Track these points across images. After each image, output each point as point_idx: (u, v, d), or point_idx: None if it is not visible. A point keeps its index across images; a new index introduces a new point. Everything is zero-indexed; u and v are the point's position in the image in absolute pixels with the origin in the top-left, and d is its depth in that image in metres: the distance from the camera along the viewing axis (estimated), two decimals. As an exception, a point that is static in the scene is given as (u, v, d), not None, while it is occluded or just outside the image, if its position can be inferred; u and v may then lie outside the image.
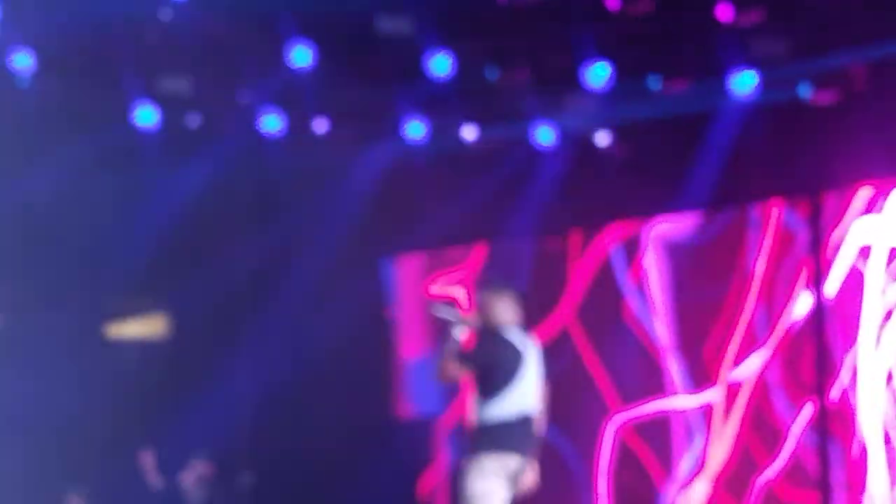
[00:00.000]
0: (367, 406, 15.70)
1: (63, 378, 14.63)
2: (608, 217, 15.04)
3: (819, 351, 13.44)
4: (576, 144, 14.58)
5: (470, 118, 14.57)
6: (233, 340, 15.22)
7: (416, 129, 14.48)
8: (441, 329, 9.28)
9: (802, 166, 13.57)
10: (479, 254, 15.82)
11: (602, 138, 14.47)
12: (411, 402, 16.25)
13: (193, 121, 14.60)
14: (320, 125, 14.79)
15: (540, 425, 9.04)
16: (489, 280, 10.42)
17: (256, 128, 14.59)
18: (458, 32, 13.21)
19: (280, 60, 13.32)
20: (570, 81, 13.41)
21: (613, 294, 14.92)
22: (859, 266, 13.32)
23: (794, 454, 13.55)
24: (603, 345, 14.89)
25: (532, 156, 14.67)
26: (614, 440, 14.77)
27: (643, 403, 14.57)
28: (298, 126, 14.72)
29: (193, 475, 13.87)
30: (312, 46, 13.19)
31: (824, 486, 13.29)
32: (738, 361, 13.96)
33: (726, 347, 14.06)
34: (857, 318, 13.29)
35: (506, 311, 8.92)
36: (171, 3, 12.54)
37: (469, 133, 14.63)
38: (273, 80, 13.87)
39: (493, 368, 8.73)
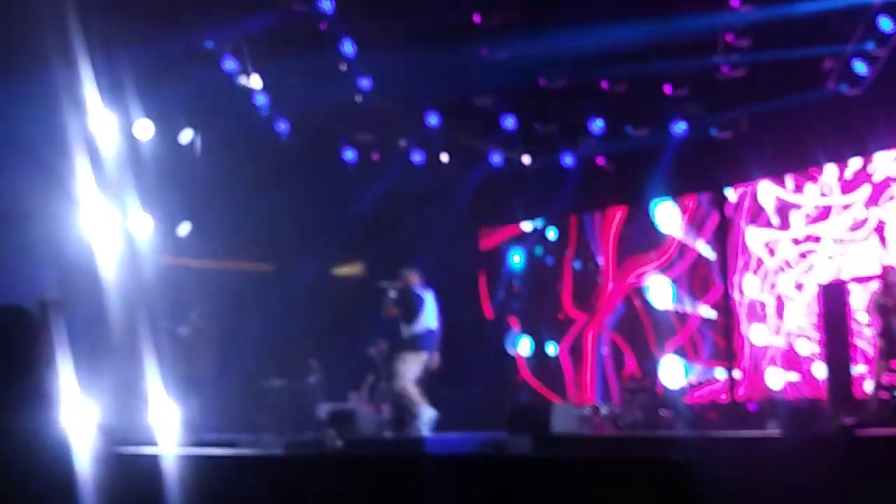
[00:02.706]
0: (469, 312, 16.30)
1: (307, 297, 15.42)
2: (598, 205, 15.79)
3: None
4: (584, 165, 15.22)
5: (526, 151, 15.40)
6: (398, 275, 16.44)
7: (496, 159, 15.50)
8: (382, 292, 10.54)
9: (711, 173, 14.33)
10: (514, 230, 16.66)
11: (601, 161, 15.19)
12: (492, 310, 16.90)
13: (375, 155, 15.54)
14: (444, 158, 15.61)
15: (437, 336, 10.33)
16: (408, 265, 10.85)
17: (410, 160, 15.51)
18: (519, 103, 14.24)
19: (421, 121, 14.43)
20: (580, 129, 14.41)
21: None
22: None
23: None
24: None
25: (559, 171, 15.30)
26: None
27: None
28: (432, 158, 15.56)
29: (376, 350, 14.27)
30: (437, 113, 14.36)
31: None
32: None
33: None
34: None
35: (414, 279, 10.53)
36: (360, 91, 13.58)
37: (526, 160, 15.50)
38: (418, 133, 14.96)
39: (408, 307, 10.26)
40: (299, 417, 13.96)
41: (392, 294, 10.38)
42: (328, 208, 15.39)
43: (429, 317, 10.27)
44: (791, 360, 13.40)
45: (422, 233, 15.88)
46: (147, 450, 5.10)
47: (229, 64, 12.94)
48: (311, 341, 15.50)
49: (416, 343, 10.18)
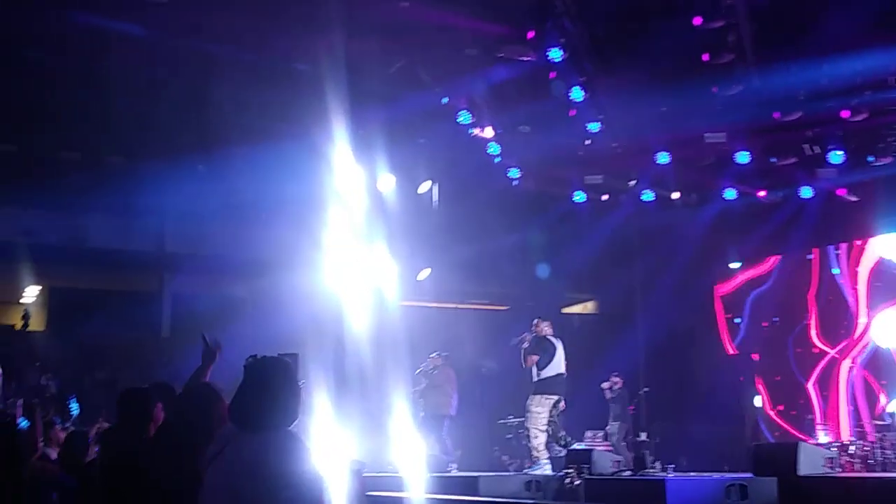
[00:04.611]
0: (705, 348, 15.99)
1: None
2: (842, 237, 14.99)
3: None
4: (824, 197, 14.36)
5: (763, 186, 14.68)
6: (632, 314, 15.89)
7: (730, 194, 14.81)
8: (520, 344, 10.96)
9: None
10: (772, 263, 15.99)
11: (842, 192, 14.19)
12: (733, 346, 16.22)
13: (605, 196, 15.49)
14: (675, 195, 15.27)
15: (565, 382, 10.90)
16: (540, 315, 11.40)
17: (640, 199, 15.29)
18: (753, 138, 13.65)
19: (652, 161, 14.10)
20: (819, 161, 13.62)
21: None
22: None
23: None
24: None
25: (800, 205, 14.58)
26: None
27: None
28: (663, 196, 15.24)
29: (609, 385, 14.18)
30: (670, 153, 13.90)
31: None
32: None
33: None
34: None
35: (547, 328, 10.96)
36: (589, 134, 13.34)
37: (762, 194, 14.76)
38: (648, 172, 14.76)
39: (540, 353, 10.72)
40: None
41: (525, 345, 10.97)
42: (560, 249, 15.51)
43: (558, 363, 10.84)
44: None
45: (654, 270, 15.76)
46: (397, 494, 5.19)
47: (464, 117, 13.21)
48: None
49: (546, 387, 10.78)
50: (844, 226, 14.71)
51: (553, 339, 11.00)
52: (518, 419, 14.94)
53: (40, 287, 15.85)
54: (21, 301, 15.93)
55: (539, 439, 10.75)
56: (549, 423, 10.91)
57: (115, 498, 4.86)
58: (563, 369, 10.94)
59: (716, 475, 9.52)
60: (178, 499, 4.56)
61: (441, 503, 4.76)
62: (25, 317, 15.48)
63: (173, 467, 4.70)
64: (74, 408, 11.10)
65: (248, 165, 12.76)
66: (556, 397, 10.88)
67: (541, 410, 10.77)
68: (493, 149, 13.96)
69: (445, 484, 9.22)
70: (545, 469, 10.57)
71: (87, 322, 14.48)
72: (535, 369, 10.87)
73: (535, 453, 10.77)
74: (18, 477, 5.05)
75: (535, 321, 11.17)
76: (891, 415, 13.01)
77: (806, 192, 14.46)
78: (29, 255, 14.05)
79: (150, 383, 5.73)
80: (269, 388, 3.95)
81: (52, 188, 14.59)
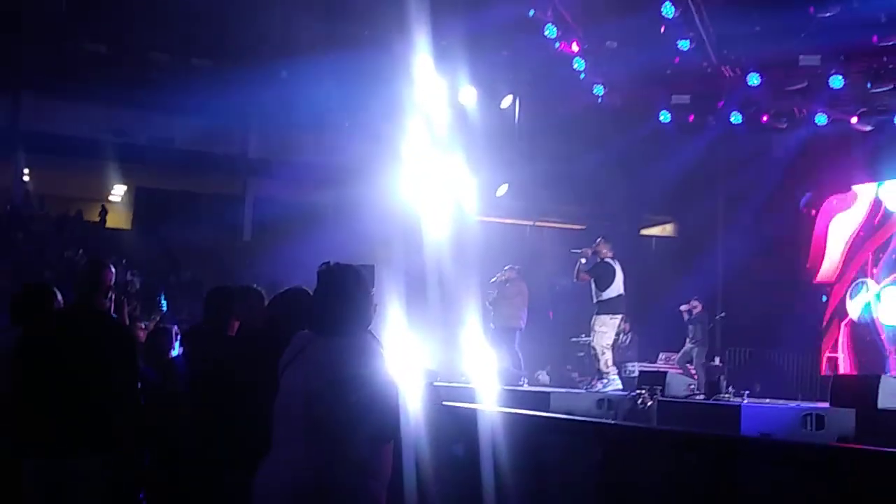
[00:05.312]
0: (786, 277, 15.29)
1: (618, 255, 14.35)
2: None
3: None
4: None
5: (856, 112, 13.88)
6: (712, 238, 15.47)
7: (821, 119, 14.10)
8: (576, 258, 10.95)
9: None
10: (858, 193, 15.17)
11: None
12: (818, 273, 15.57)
13: (691, 117, 14.69)
14: (764, 119, 14.45)
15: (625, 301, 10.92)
16: (603, 236, 11.34)
17: (727, 120, 14.51)
18: (848, 62, 12.90)
19: (742, 82, 13.46)
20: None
21: None
22: None
23: None
24: None
25: (893, 132, 13.75)
26: None
27: None
28: (751, 119, 14.49)
29: (688, 309, 13.89)
30: (761, 75, 13.30)
31: None
32: None
33: None
34: None
35: (608, 251, 10.93)
36: (678, 52, 12.85)
37: (855, 120, 13.97)
38: (737, 94, 14.03)
39: (599, 275, 10.77)
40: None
41: (583, 261, 11.07)
42: (641, 169, 15.13)
43: (619, 284, 10.90)
44: None
45: (737, 195, 15.31)
46: (469, 405, 5.15)
47: (550, 30, 12.84)
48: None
49: (609, 307, 10.87)
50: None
51: (612, 262, 11.06)
52: (591, 338, 15.01)
53: (126, 186, 16.14)
54: (109, 199, 16.27)
55: (606, 356, 10.86)
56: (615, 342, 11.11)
57: (196, 395, 4.92)
58: (622, 290, 11.04)
59: (792, 403, 9.30)
60: (255, 398, 4.57)
61: (512, 416, 4.70)
62: (102, 213, 15.81)
63: (256, 368, 4.70)
64: (163, 304, 11.39)
65: (331, 74, 12.67)
66: (620, 316, 11.04)
67: (606, 329, 10.88)
68: (579, 64, 13.56)
69: (517, 397, 9.20)
70: (613, 385, 10.65)
71: (172, 222, 14.72)
72: (596, 291, 10.96)
73: (603, 369, 10.84)
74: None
75: (598, 241, 11.24)
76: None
77: (902, 119, 13.67)
78: (117, 154, 14.28)
79: (237, 286, 5.74)
80: (343, 293, 3.90)
81: (141, 89, 14.72)
